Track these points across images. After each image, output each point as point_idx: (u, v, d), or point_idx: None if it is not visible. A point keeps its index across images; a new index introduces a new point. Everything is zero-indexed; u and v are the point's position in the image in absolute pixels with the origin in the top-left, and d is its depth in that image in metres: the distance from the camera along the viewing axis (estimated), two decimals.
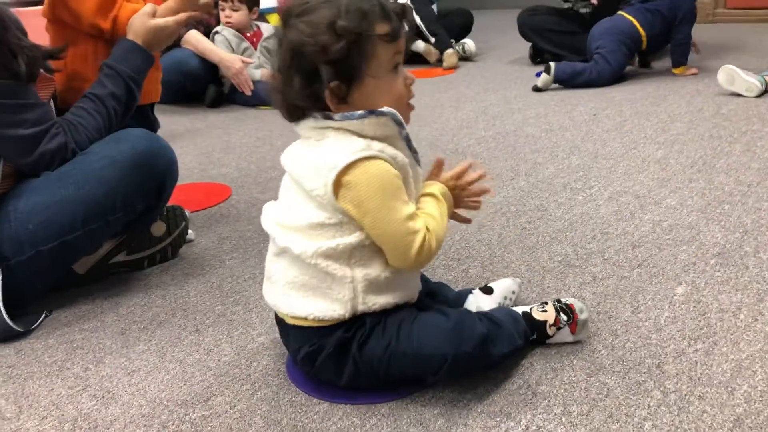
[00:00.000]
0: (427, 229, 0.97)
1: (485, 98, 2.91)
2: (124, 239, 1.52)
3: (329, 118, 0.95)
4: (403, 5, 0.98)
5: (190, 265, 1.58)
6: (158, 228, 1.57)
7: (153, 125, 1.71)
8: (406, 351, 0.99)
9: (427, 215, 1.00)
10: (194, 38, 3.13)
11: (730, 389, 1.00)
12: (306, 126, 0.98)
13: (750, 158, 1.90)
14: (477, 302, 1.19)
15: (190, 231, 1.68)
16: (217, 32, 3.21)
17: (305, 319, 1.01)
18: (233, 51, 3.18)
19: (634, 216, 1.62)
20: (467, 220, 1.16)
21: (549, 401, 1.01)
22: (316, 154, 0.96)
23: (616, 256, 1.43)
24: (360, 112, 0.94)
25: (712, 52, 3.35)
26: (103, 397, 1.12)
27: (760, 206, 1.59)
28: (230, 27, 3.22)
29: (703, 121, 2.28)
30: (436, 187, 1.05)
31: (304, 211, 0.98)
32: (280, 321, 1.08)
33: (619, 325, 1.18)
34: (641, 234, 1.52)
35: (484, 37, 4.12)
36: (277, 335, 1.24)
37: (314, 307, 0.99)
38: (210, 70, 3.19)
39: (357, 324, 1.01)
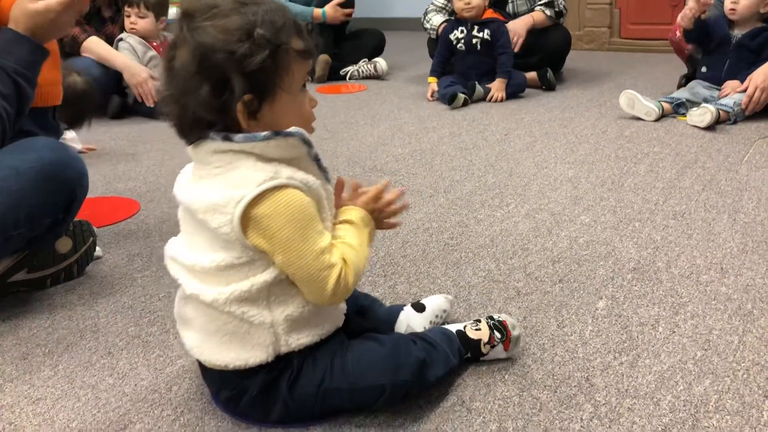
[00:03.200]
0: (344, 261, 0.91)
1: (399, 116, 2.93)
2: (26, 256, 1.40)
3: (230, 139, 0.86)
4: (311, 23, 0.93)
5: (99, 284, 1.48)
6: (64, 244, 1.46)
7: (57, 131, 1.58)
8: (341, 386, 0.95)
9: (345, 245, 0.93)
10: (95, 45, 2.98)
11: (655, 400, 1.03)
12: (204, 150, 0.88)
13: (654, 178, 2.00)
14: (408, 321, 1.17)
15: (97, 248, 1.58)
16: (121, 39, 3.08)
17: (225, 367, 0.94)
18: (139, 60, 3.05)
19: (551, 232, 1.66)
20: (394, 226, 1.08)
21: (484, 417, 1.00)
22: (218, 187, 0.86)
23: (538, 271, 1.46)
24: (265, 133, 0.86)
25: (610, 78, 3.53)
26: (4, 429, 1.02)
27: (668, 223, 1.67)
28: (136, 34, 3.09)
29: (609, 142, 2.39)
30: (354, 213, 0.98)
31: (210, 253, 0.89)
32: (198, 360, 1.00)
33: (546, 339, 1.20)
34: (560, 250, 1.56)
35: (395, 57, 4.16)
36: None
37: (232, 356, 0.93)
38: (113, 79, 3.04)
39: (281, 364, 0.95)
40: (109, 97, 3.07)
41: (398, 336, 1.06)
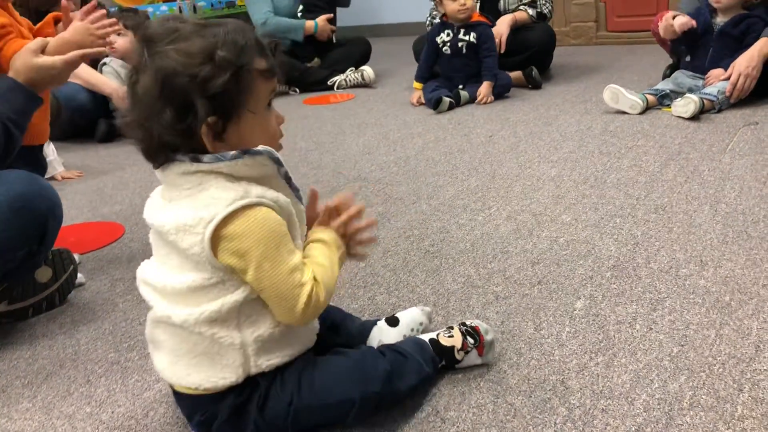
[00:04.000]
0: (315, 280, 0.91)
1: (386, 123, 2.93)
2: (5, 288, 1.41)
3: (198, 160, 0.86)
4: (276, 41, 0.93)
5: (81, 311, 1.49)
6: (43, 273, 1.46)
7: (43, 168, 1.60)
8: (312, 403, 0.95)
9: (316, 264, 0.93)
10: (82, 70, 2.99)
11: (630, 400, 1.02)
12: (173, 172, 0.88)
13: (637, 172, 1.99)
14: (381, 336, 1.16)
15: (79, 275, 1.58)
16: (105, 63, 3.09)
17: (196, 389, 0.94)
18: (123, 82, 3.05)
19: (532, 234, 1.65)
20: (362, 257, 1.06)
21: (458, 426, 1.00)
22: (188, 208, 0.86)
23: (517, 274, 1.45)
24: (232, 152, 0.86)
25: (597, 73, 3.52)
26: None
27: (648, 218, 1.66)
28: (115, 54, 3.08)
29: (593, 138, 2.38)
30: (326, 233, 0.98)
31: (181, 274, 0.89)
32: (171, 385, 1.01)
33: (522, 343, 1.19)
34: (540, 251, 1.55)
35: (382, 64, 4.16)
36: None
37: (202, 377, 0.93)
38: (100, 104, 3.06)
39: (249, 386, 0.95)
40: (96, 122, 3.08)
41: (365, 349, 1.06)
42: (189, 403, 0.98)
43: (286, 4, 3.94)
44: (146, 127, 0.86)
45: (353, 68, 3.89)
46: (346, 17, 4.47)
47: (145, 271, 0.97)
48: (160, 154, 0.88)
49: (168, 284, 0.91)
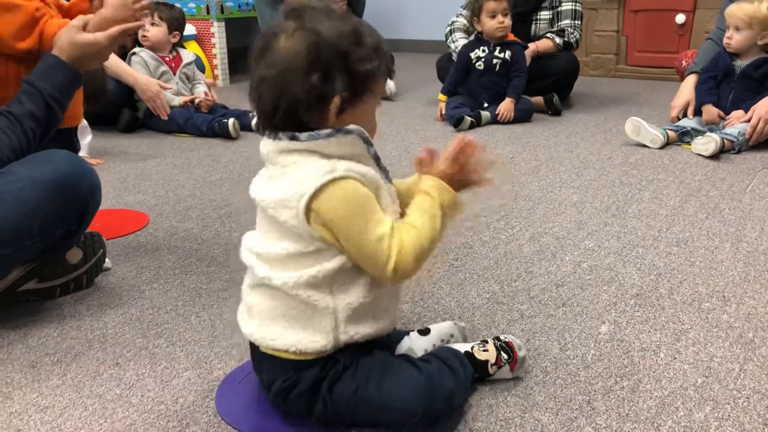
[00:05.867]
0: (401, 249, 0.92)
1: (406, 137, 2.96)
2: (36, 266, 1.43)
3: (295, 138, 0.93)
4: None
5: (107, 295, 1.50)
6: (74, 255, 1.48)
7: (76, 149, 1.62)
8: (375, 399, 0.97)
9: (408, 227, 0.95)
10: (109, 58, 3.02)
11: (656, 425, 1.04)
12: (273, 149, 0.95)
13: (658, 205, 2.02)
14: (411, 344, 1.16)
15: (107, 259, 1.60)
16: (134, 53, 3.12)
17: (286, 351, 0.97)
18: (150, 74, 3.09)
19: (555, 256, 1.67)
20: (488, 182, 1.05)
21: None
22: (283, 185, 0.94)
23: (542, 294, 1.47)
24: (327, 130, 0.92)
25: (616, 105, 3.56)
26: None
27: (671, 250, 1.68)
28: (146, 43, 3.12)
29: (613, 168, 2.41)
30: (427, 182, 0.99)
31: (281, 243, 0.96)
32: (254, 349, 1.04)
33: (548, 362, 1.21)
34: (563, 274, 1.57)
35: (403, 78, 4.20)
36: (204, 370, 1.20)
37: (295, 338, 0.97)
38: (124, 93, 3.08)
39: (332, 362, 0.98)
40: (120, 110, 3.10)
41: (434, 365, 1.05)
42: (274, 366, 1.00)
43: None
44: (282, 86, 0.91)
45: None
46: None
47: (248, 240, 1.03)
48: (279, 120, 0.93)
49: (270, 251, 0.97)
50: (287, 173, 0.94)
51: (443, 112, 3.23)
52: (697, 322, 1.34)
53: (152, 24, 3.09)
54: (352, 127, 0.94)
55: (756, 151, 2.57)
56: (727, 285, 1.49)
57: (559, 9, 3.43)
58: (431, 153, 1.04)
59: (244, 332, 1.03)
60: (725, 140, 2.54)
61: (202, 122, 3.02)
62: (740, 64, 2.70)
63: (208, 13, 4.24)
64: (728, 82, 2.74)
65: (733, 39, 2.65)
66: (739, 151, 2.55)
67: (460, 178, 1.02)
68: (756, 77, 2.67)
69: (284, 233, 0.95)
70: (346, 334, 0.97)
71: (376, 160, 0.98)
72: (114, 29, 1.40)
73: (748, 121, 2.58)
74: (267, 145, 0.96)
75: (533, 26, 3.46)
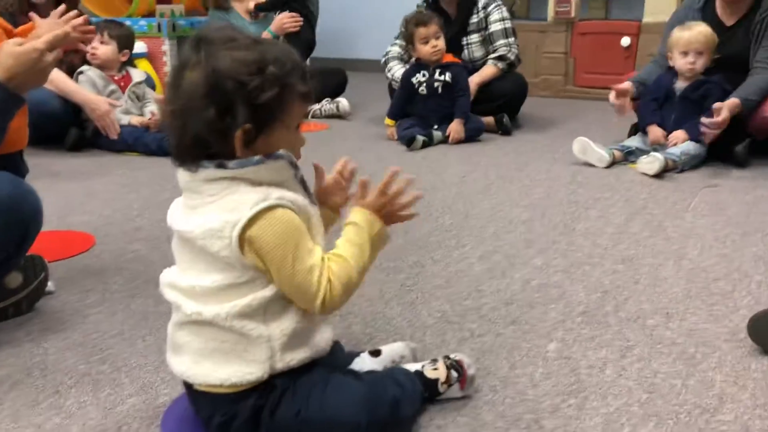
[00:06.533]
0: (331, 279, 0.95)
1: (360, 156, 2.95)
2: None
3: (223, 166, 0.92)
4: (313, 71, 0.99)
5: (49, 320, 1.46)
6: (13, 279, 1.43)
7: (23, 174, 1.57)
8: (319, 418, 0.97)
9: (337, 259, 0.97)
10: (55, 76, 2.94)
11: None
12: (197, 179, 0.93)
13: (604, 223, 2.06)
14: (362, 365, 1.16)
15: (50, 282, 1.55)
16: (81, 72, 3.05)
17: (221, 385, 0.95)
18: (98, 93, 3.03)
19: (505, 274, 1.69)
20: (410, 217, 1.10)
21: None
22: (212, 214, 0.92)
23: (491, 313, 1.49)
24: (257, 157, 0.92)
25: (564, 125, 3.64)
26: None
27: (616, 268, 1.72)
28: (95, 61, 3.06)
29: (561, 187, 2.46)
30: (358, 214, 1.02)
31: (210, 275, 0.94)
32: (188, 386, 1.01)
33: (497, 381, 1.22)
34: (513, 292, 1.59)
35: (357, 97, 4.21)
36: (150, 396, 1.18)
37: (229, 371, 0.95)
38: (72, 111, 3.01)
39: (269, 389, 0.97)
40: (67, 129, 3.03)
41: (377, 373, 1.08)
42: (210, 402, 0.98)
43: (254, 31, 3.97)
44: (184, 120, 0.90)
45: (329, 99, 3.93)
46: (322, 48, 4.52)
47: (170, 276, 1.01)
48: (190, 152, 0.93)
49: (197, 285, 0.95)
50: (215, 202, 0.93)
51: (394, 136, 3.25)
52: (641, 339, 1.36)
53: (101, 42, 3.04)
54: (281, 152, 0.94)
55: (696, 171, 2.65)
56: (670, 302, 1.53)
57: (490, 30, 3.49)
58: (364, 186, 1.05)
59: (176, 371, 1.01)
60: (668, 160, 2.61)
61: (152, 141, 2.98)
62: (680, 86, 2.80)
63: (159, 30, 4.20)
64: (670, 104, 2.83)
65: (698, 63, 2.73)
66: (681, 171, 2.63)
67: (389, 210, 1.05)
68: (695, 98, 2.76)
69: (214, 265, 0.93)
70: (282, 362, 0.96)
71: (303, 184, 0.99)
72: (50, 34, 1.33)
73: (693, 139, 2.66)
74: (186, 174, 0.95)
75: (465, 51, 3.51)
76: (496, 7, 3.50)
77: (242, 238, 0.90)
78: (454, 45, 3.40)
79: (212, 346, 0.96)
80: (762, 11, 2.75)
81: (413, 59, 3.32)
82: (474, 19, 3.50)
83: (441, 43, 3.16)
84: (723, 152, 2.71)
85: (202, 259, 0.94)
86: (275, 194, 0.92)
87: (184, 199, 0.98)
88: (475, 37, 3.50)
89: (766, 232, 1.96)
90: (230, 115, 0.89)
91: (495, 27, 3.48)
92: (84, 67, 3.07)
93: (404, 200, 1.06)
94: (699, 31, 2.73)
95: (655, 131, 2.79)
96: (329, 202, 1.14)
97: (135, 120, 3.07)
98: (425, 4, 3.59)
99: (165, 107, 0.93)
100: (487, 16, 3.49)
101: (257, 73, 0.89)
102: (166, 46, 4.23)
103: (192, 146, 0.92)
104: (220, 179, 0.92)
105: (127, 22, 3.59)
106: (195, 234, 0.93)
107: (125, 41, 3.14)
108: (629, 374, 1.24)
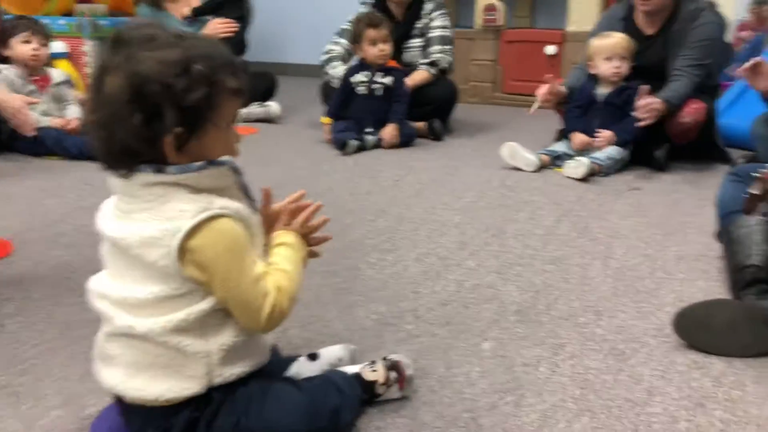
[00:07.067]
0: (278, 289, 0.92)
1: (292, 160, 2.94)
2: None
3: (162, 171, 0.87)
4: (244, 62, 0.96)
5: None
6: None
7: None
8: (257, 429, 0.94)
9: (280, 272, 0.95)
10: None
11: None
12: (134, 183, 0.88)
13: (534, 225, 2.11)
14: (300, 370, 1.14)
15: None
16: None
17: (155, 400, 0.91)
18: (17, 92, 2.88)
19: (440, 276, 1.70)
20: (322, 241, 1.10)
21: None
22: (152, 220, 0.87)
23: (427, 314, 1.49)
24: (198, 163, 0.88)
25: (494, 130, 3.71)
26: None
27: (546, 268, 1.76)
28: (36, 63, 2.98)
29: (492, 190, 2.50)
30: (289, 236, 1.01)
31: (146, 286, 0.88)
32: (119, 398, 0.96)
33: (435, 381, 1.22)
34: (448, 293, 1.60)
35: (288, 101, 4.17)
36: (75, 407, 1.12)
37: (165, 387, 0.90)
38: None
39: (205, 401, 0.93)
40: None
41: (317, 382, 1.05)
42: (141, 417, 0.94)
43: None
44: (109, 129, 0.84)
45: (258, 102, 3.88)
46: (252, 53, 4.46)
47: (99, 284, 0.94)
48: (120, 160, 0.87)
49: (130, 296, 0.90)
50: (152, 209, 0.88)
51: (329, 136, 3.24)
52: (573, 336, 1.40)
53: (43, 45, 2.96)
54: (224, 158, 0.91)
55: (620, 174, 2.75)
56: (599, 300, 1.58)
57: (429, 35, 3.54)
58: (293, 213, 1.04)
59: (105, 384, 0.96)
60: (594, 164, 2.70)
61: (72, 145, 2.86)
62: (602, 92, 2.90)
63: (80, 30, 4.05)
64: (593, 110, 2.92)
65: (622, 68, 2.84)
66: (606, 174, 2.72)
67: (304, 233, 1.04)
68: (618, 104, 2.87)
69: (150, 275, 0.88)
70: (221, 377, 0.93)
71: (244, 190, 0.96)
72: None
73: (620, 145, 2.77)
74: (120, 179, 0.89)
75: (405, 54, 3.55)
76: (441, 14, 3.56)
77: (182, 249, 0.86)
78: (395, 47, 3.42)
79: (147, 360, 0.91)
80: (680, 22, 2.88)
81: (357, 59, 3.31)
82: (419, 24, 3.54)
83: (388, 47, 3.18)
84: (645, 156, 2.83)
85: (137, 269, 0.89)
86: (218, 203, 0.88)
87: (116, 202, 0.92)
88: (416, 42, 3.54)
89: (686, 233, 2.04)
90: (158, 121, 0.84)
91: (435, 33, 3.52)
92: (2, 65, 2.93)
93: (318, 236, 1.07)
94: (621, 37, 2.85)
95: (578, 138, 2.88)
96: (264, 226, 1.09)
97: (55, 122, 2.95)
98: (372, 2, 3.60)
99: (87, 116, 0.87)
100: (430, 22, 3.53)
101: (183, 73, 0.83)
102: (88, 46, 4.08)
103: (121, 155, 0.86)
104: (159, 184, 0.87)
105: (46, 20, 3.45)
106: (129, 242, 0.88)
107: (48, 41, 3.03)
108: (563, 371, 1.27)
